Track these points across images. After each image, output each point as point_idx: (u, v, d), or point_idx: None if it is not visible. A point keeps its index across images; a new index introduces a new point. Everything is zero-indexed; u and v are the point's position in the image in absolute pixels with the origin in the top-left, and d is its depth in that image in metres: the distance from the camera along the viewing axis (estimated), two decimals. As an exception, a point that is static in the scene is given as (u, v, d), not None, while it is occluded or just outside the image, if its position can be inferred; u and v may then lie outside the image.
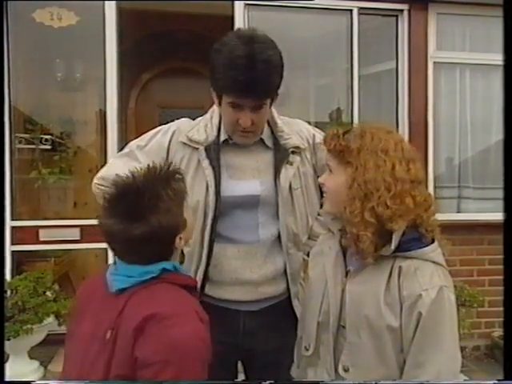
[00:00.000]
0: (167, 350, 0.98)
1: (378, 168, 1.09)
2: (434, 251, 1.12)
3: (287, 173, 1.48)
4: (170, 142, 1.50)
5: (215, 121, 1.50)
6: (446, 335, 1.07)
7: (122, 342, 1.02)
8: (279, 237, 1.50)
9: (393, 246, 1.09)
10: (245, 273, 1.48)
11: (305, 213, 1.53)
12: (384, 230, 1.09)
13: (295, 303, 1.54)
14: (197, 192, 1.45)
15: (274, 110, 1.54)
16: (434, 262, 1.11)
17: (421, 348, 1.06)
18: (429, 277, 1.08)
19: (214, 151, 1.46)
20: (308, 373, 1.25)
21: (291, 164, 1.49)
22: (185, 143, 1.48)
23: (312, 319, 1.23)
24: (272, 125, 1.53)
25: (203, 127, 1.50)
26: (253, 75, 1.28)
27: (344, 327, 1.15)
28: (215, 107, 1.52)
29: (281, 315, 1.53)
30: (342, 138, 1.14)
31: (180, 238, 1.13)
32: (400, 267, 1.10)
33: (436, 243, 1.14)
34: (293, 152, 1.50)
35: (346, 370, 1.14)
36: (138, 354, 1.00)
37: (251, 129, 1.41)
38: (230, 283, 1.48)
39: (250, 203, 1.48)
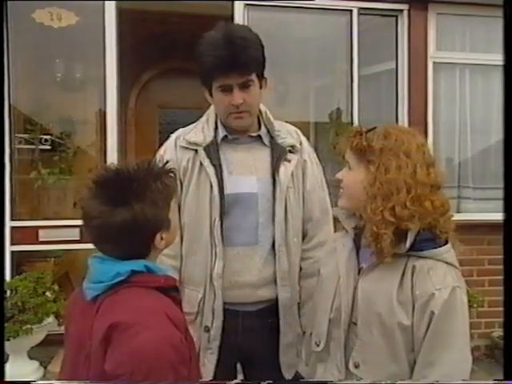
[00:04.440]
0: (132, 361, 0.93)
1: (400, 169, 1.11)
2: (447, 252, 1.14)
3: (286, 170, 1.50)
4: (176, 151, 1.52)
5: (211, 121, 1.54)
6: (458, 335, 1.08)
7: (94, 353, 0.98)
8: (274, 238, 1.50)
9: (408, 245, 1.10)
10: (244, 275, 1.48)
11: (296, 213, 1.53)
12: (399, 229, 1.10)
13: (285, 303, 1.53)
14: (202, 193, 1.47)
15: (268, 111, 1.58)
16: (447, 263, 1.12)
17: (432, 347, 1.07)
18: (442, 277, 1.09)
19: (213, 150, 1.49)
20: (317, 369, 1.26)
21: (289, 161, 1.52)
22: (185, 147, 1.51)
23: (323, 316, 1.24)
24: (268, 125, 1.57)
25: (200, 129, 1.54)
26: (232, 50, 1.37)
27: (355, 324, 1.16)
28: (210, 110, 1.56)
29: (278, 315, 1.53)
30: (365, 137, 1.16)
31: (161, 238, 1.09)
32: (414, 266, 1.11)
33: (449, 244, 1.15)
34: (290, 151, 1.53)
35: (356, 367, 1.15)
36: (106, 367, 0.95)
37: (244, 108, 1.45)
38: (230, 287, 1.48)
39: (250, 202, 1.49)
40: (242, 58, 1.38)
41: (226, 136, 1.52)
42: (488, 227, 3.46)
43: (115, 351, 0.95)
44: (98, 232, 1.05)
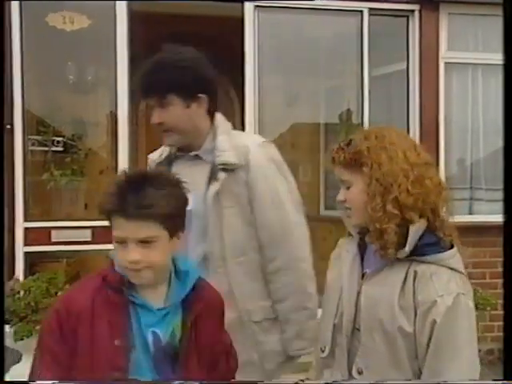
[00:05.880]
0: None
1: (392, 159, 1.11)
2: (452, 257, 1.10)
3: (213, 189, 1.47)
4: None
5: None
6: (464, 343, 1.06)
7: None
8: (206, 257, 1.48)
9: (407, 249, 1.08)
10: None
11: (238, 233, 1.50)
12: (401, 231, 1.09)
13: None
14: None
15: (221, 126, 1.56)
16: (451, 269, 1.09)
17: (437, 356, 1.05)
18: (445, 283, 1.06)
19: (165, 165, 1.56)
20: (324, 374, 1.26)
21: (217, 180, 1.48)
22: (150, 164, 1.63)
23: (328, 321, 1.23)
24: (214, 141, 1.53)
25: (163, 147, 1.63)
26: (145, 72, 1.49)
27: (358, 330, 1.15)
28: None
29: None
30: (347, 147, 1.16)
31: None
32: (415, 271, 1.09)
33: (455, 249, 1.12)
34: (222, 169, 1.48)
35: (359, 373, 1.14)
36: None
37: (164, 127, 1.51)
38: None
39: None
40: (152, 83, 1.47)
41: (172, 154, 1.59)
42: (501, 229, 3.41)
43: None
44: None
